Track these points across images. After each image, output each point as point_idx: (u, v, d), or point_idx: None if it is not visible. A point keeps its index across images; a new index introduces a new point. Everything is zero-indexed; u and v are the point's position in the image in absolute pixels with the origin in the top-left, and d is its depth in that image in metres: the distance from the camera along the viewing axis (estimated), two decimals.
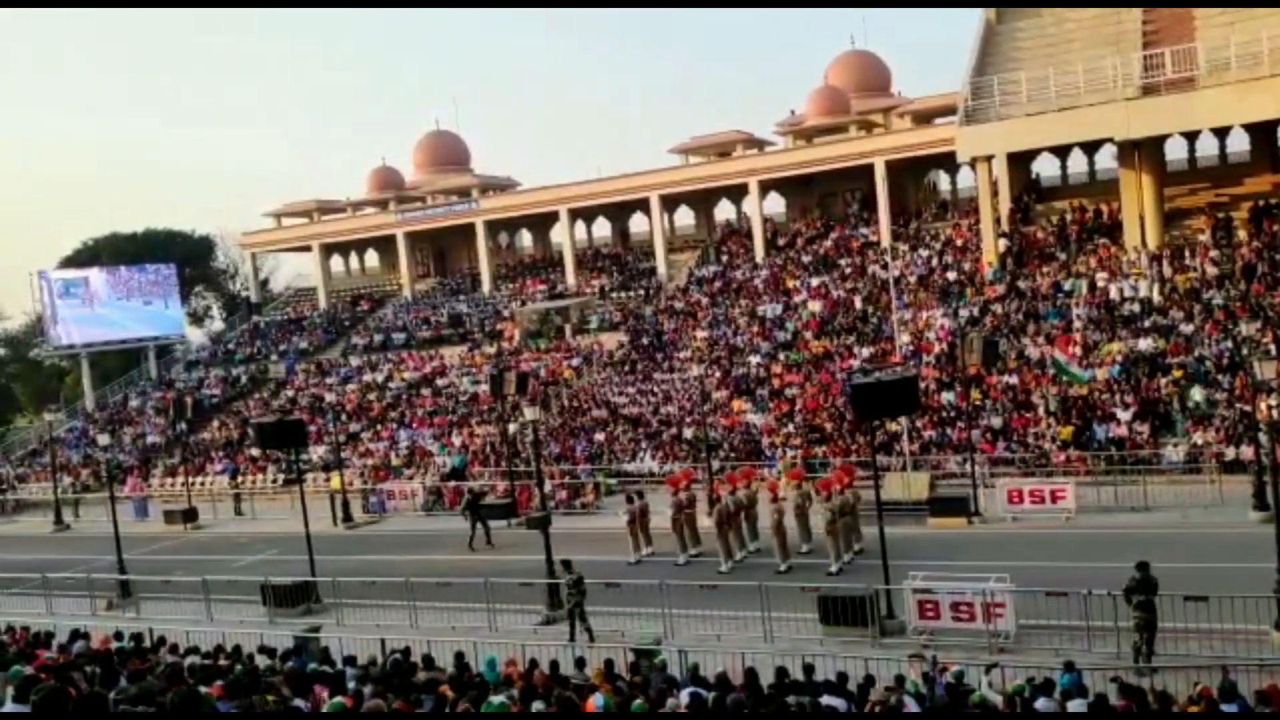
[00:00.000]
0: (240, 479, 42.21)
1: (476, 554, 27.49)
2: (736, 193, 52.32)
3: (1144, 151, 36.97)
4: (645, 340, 44.36)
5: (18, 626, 18.23)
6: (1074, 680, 12.94)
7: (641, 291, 49.57)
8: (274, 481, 42.15)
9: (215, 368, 56.36)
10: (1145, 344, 32.50)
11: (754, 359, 39.63)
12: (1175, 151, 42.59)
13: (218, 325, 71.50)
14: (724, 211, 56.02)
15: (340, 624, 21.04)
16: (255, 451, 43.67)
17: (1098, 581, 16.25)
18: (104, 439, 35.60)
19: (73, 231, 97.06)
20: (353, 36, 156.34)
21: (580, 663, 14.39)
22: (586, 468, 35.72)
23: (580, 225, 56.81)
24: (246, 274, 66.79)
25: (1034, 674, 13.26)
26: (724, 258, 49.84)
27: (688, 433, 35.79)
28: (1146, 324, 33.43)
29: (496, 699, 10.52)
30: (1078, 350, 33.10)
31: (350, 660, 14.80)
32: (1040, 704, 11.87)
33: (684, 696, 11.75)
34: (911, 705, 11.86)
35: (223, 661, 14.24)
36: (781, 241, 49.15)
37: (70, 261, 66.45)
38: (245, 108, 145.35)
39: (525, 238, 62.44)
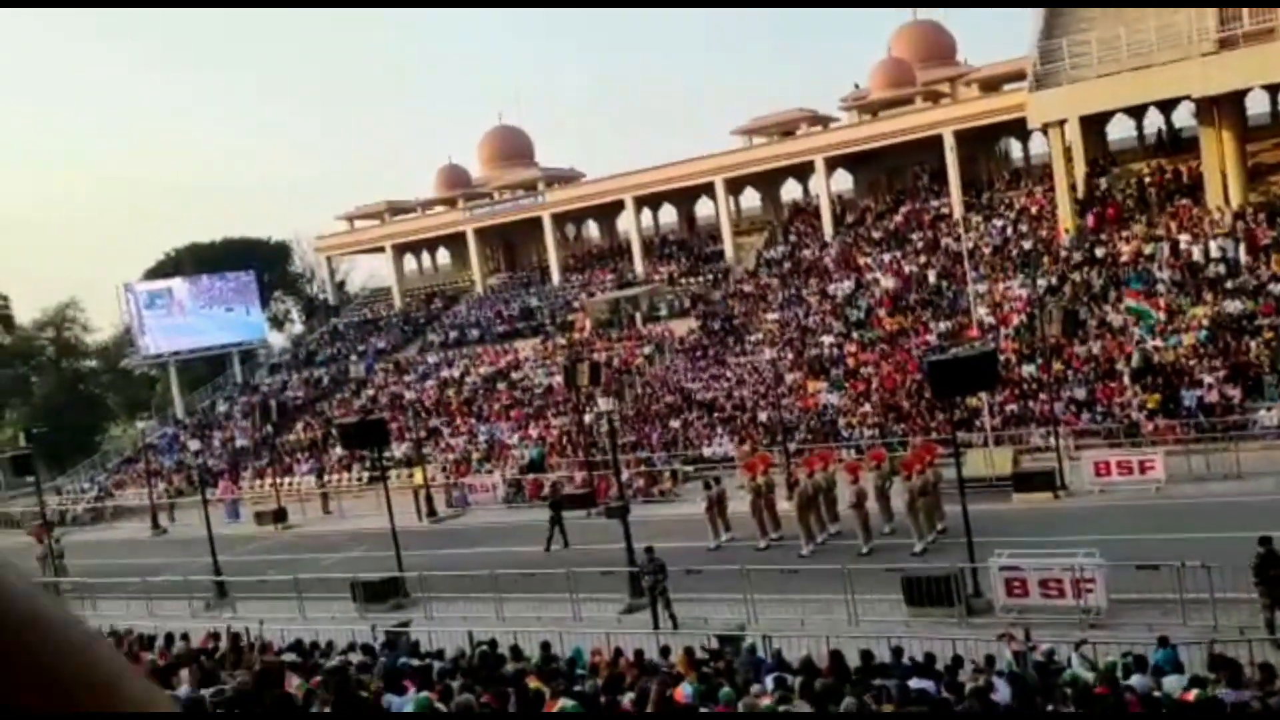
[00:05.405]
0: (326, 478, 43.11)
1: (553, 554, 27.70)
2: (802, 171, 51.78)
3: (1223, 107, 35.78)
4: (716, 325, 44.24)
5: (121, 630, 18.91)
6: (1169, 656, 12.68)
7: (710, 276, 49.43)
8: (359, 479, 42.95)
9: (297, 370, 57.60)
10: (1233, 305, 31.52)
11: (827, 339, 39.27)
12: (1257, 105, 41.18)
13: (298, 329, 73.07)
14: (790, 191, 55.53)
15: (428, 618, 21.44)
16: (340, 450, 44.60)
17: (1191, 553, 15.83)
18: (194, 444, 36.64)
19: (152, 242, 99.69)
20: (415, 37, 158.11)
21: (665, 651, 14.45)
22: (662, 455, 35.81)
23: (646, 213, 56.75)
24: (323, 277, 68.16)
25: (1128, 650, 12.99)
26: (792, 238, 49.44)
27: (762, 416, 35.64)
28: (1233, 285, 32.41)
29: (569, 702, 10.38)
30: (1162, 315, 32.23)
31: (437, 654, 15.07)
32: (1135, 680, 11.63)
33: (768, 682, 11.73)
34: (1001, 685, 11.69)
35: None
36: (850, 218, 48.59)
37: (154, 273, 68.40)
38: (313, 114, 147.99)
39: (592, 228, 62.62)
